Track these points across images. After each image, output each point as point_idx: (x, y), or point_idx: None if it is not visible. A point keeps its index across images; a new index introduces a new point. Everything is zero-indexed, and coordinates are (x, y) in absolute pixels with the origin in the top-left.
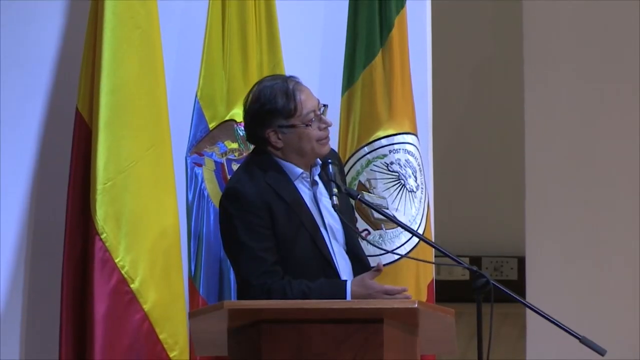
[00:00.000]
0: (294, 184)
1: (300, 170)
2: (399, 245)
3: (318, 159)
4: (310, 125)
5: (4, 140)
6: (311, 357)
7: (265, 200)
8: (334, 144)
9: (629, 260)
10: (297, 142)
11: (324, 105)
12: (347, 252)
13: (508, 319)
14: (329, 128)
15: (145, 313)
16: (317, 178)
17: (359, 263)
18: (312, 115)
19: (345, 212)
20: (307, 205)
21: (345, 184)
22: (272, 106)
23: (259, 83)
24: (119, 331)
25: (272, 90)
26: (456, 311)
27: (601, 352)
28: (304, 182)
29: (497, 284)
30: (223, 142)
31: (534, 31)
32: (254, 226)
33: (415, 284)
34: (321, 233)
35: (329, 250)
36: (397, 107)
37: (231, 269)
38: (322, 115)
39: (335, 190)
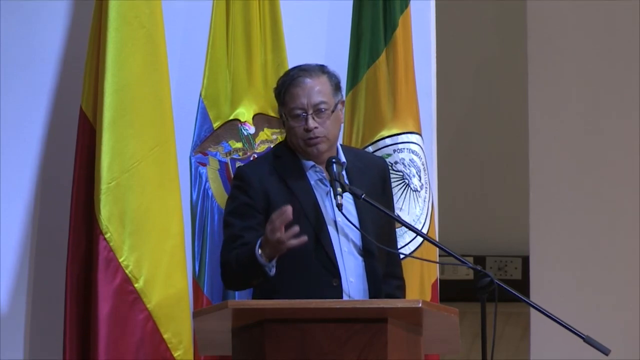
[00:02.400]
0: (306, 175)
1: (310, 163)
2: (403, 244)
3: (341, 157)
4: (289, 120)
5: (8, 140)
6: (315, 357)
7: (263, 184)
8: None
9: (632, 260)
10: (288, 133)
11: (319, 111)
12: (363, 251)
13: (512, 318)
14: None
15: (149, 312)
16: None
17: (372, 259)
18: (297, 111)
19: (367, 214)
20: (316, 198)
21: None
22: (275, 90)
23: None
24: (123, 331)
25: (284, 75)
26: (460, 311)
27: (605, 351)
28: (319, 175)
29: (501, 284)
30: (227, 142)
31: (538, 30)
32: (242, 205)
33: (419, 284)
34: (326, 227)
35: (331, 245)
36: (401, 106)
37: None
38: (309, 116)
39: (339, 189)
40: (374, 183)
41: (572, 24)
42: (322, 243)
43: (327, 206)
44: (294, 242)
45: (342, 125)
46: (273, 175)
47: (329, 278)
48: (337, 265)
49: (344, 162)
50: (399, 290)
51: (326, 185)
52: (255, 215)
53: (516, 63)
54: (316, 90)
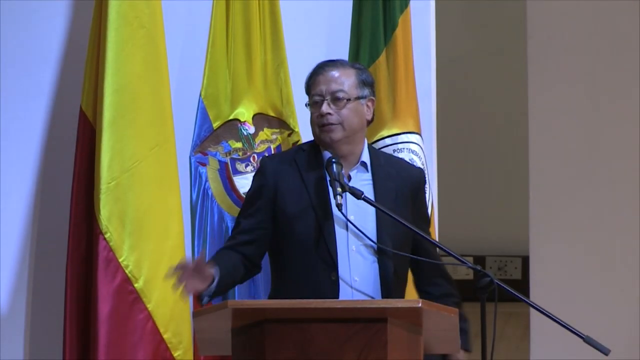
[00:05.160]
0: (324, 169)
1: (329, 155)
2: None
3: (363, 157)
4: (310, 108)
5: (8, 139)
6: (315, 356)
7: (275, 175)
8: None
9: (632, 260)
10: (310, 123)
11: (336, 99)
12: (377, 253)
13: (512, 318)
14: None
15: (149, 312)
16: (352, 172)
17: (386, 262)
18: (316, 98)
19: (387, 218)
20: (328, 192)
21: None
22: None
23: None
24: (123, 330)
25: (314, 66)
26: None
27: (605, 351)
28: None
29: (501, 284)
30: (227, 142)
31: (538, 30)
32: (252, 193)
33: None
34: (332, 222)
35: (334, 241)
36: (401, 106)
37: None
38: (324, 102)
39: (339, 189)
40: (402, 192)
41: (572, 24)
42: (324, 238)
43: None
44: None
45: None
46: (290, 167)
47: (327, 272)
48: (336, 260)
49: (363, 161)
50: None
51: (344, 181)
52: (256, 202)
53: (516, 63)
54: (337, 79)
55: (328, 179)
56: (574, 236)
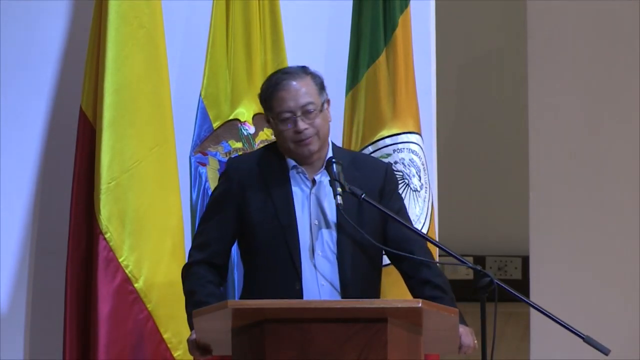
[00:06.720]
0: (288, 176)
1: (292, 163)
2: None
3: (332, 159)
4: (278, 124)
5: (8, 139)
6: (315, 356)
7: (242, 179)
8: (338, 143)
9: (632, 260)
10: (278, 137)
11: (307, 112)
12: (337, 254)
13: (512, 318)
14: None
15: (149, 312)
16: (317, 177)
17: (345, 263)
18: (286, 115)
19: (351, 214)
20: (292, 200)
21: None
22: (260, 96)
23: None
24: (123, 330)
25: (268, 80)
26: (460, 311)
27: (605, 351)
28: (301, 177)
29: (501, 284)
30: (227, 142)
31: (538, 31)
32: (219, 198)
33: None
34: (296, 230)
35: (298, 249)
36: (401, 106)
37: (235, 268)
38: (298, 119)
39: (339, 189)
40: (368, 193)
41: (573, 24)
42: (288, 247)
43: (304, 209)
44: None
45: (342, 124)
46: (255, 173)
47: (292, 281)
48: (300, 270)
49: (333, 160)
50: (434, 292)
51: (307, 187)
52: (222, 208)
53: (516, 63)
54: (302, 91)
55: (293, 183)
56: (573, 236)
